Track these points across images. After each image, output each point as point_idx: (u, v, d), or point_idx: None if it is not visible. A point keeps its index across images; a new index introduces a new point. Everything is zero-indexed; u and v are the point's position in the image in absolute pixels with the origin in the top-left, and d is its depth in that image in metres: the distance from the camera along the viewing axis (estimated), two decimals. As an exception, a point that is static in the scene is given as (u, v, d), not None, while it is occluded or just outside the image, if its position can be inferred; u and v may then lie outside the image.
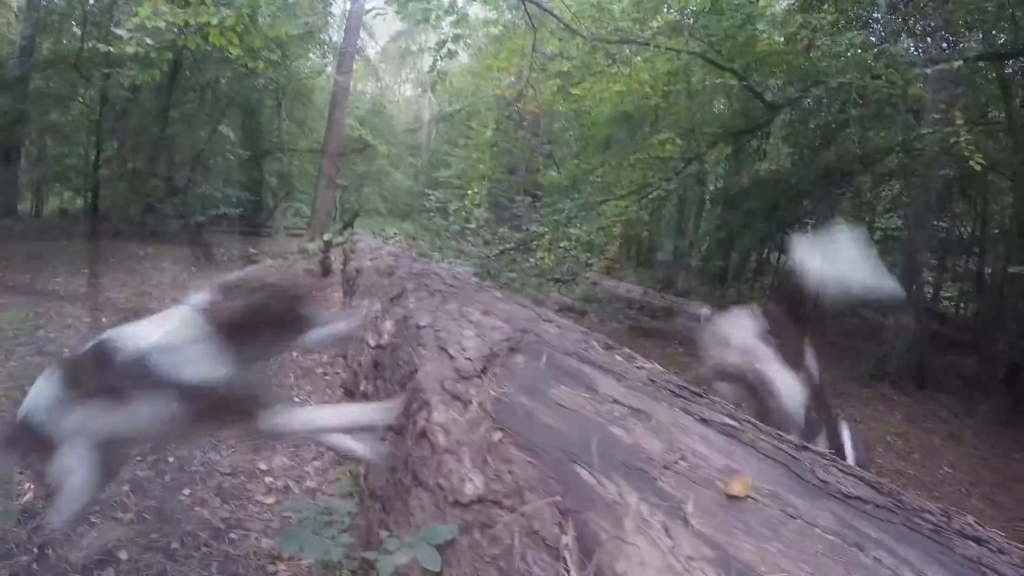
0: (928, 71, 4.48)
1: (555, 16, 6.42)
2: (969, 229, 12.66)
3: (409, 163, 25.93)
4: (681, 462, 1.05)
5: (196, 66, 13.42)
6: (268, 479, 3.07)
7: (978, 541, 0.86)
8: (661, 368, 1.64)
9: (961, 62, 5.45)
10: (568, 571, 0.96)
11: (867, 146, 8.69)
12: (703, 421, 1.21)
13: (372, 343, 2.43)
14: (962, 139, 5.15)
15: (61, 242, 10.10)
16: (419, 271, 2.88)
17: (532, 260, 7.32)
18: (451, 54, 7.37)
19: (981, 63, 6.87)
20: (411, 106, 30.90)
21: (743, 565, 0.83)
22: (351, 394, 2.63)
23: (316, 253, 12.10)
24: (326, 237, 10.20)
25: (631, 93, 7.36)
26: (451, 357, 1.67)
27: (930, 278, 11.69)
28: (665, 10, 7.09)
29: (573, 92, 8.06)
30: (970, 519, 0.94)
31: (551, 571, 0.99)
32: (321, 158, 15.92)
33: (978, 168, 5.68)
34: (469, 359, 1.61)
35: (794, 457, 1.07)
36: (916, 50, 6.08)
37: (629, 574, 0.88)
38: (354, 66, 17.44)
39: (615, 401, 1.29)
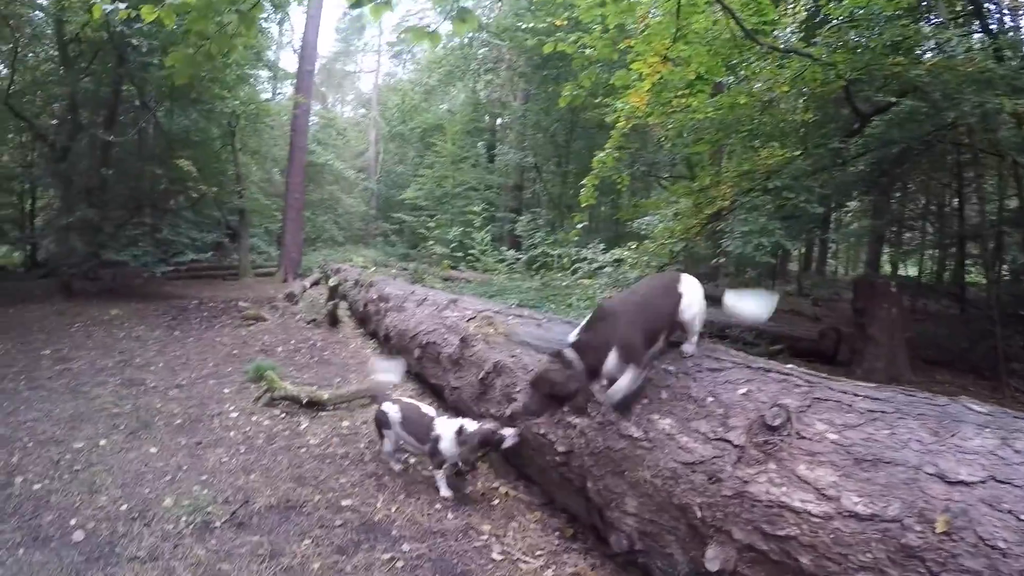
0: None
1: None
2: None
3: (362, 187, 24.78)
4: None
5: (139, 94, 11.79)
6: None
7: (775, 370, 2.31)
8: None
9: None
10: None
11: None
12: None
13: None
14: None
15: (8, 310, 8.50)
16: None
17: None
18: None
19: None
20: (354, 127, 29.61)
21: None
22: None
23: (296, 296, 10.67)
24: (332, 282, 9.11)
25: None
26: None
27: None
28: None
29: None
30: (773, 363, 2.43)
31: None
32: (286, 187, 14.66)
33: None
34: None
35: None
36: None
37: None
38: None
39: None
